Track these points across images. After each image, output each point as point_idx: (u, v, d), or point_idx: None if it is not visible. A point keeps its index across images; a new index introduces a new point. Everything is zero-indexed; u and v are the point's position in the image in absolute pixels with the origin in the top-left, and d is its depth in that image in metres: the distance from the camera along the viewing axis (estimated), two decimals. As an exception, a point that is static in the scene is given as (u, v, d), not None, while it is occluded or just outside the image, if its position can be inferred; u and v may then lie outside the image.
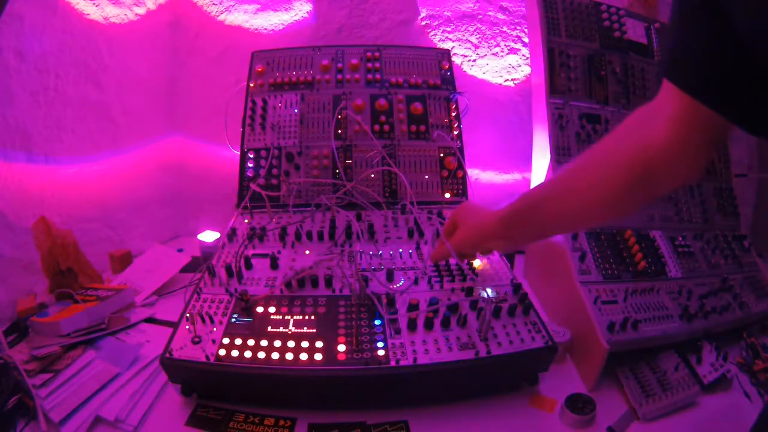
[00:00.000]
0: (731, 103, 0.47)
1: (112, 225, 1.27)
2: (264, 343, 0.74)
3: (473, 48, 1.43)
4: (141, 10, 1.27)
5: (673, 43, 0.51)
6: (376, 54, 1.27)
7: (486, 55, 1.44)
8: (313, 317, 0.79)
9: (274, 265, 0.91)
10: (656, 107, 0.55)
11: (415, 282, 0.88)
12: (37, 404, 0.72)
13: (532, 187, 0.71)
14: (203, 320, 0.79)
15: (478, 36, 1.43)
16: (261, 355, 0.72)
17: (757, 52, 0.41)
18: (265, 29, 1.41)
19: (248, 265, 0.91)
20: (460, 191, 1.18)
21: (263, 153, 1.17)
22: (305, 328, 0.77)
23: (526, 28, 1.39)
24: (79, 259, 1.04)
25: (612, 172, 0.58)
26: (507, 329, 0.79)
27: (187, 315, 0.79)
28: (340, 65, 1.25)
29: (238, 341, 0.74)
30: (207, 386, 0.77)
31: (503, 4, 1.40)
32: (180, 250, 1.29)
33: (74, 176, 1.15)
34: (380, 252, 0.96)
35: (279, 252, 0.95)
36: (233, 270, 0.88)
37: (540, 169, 1.09)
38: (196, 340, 0.75)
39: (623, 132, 0.60)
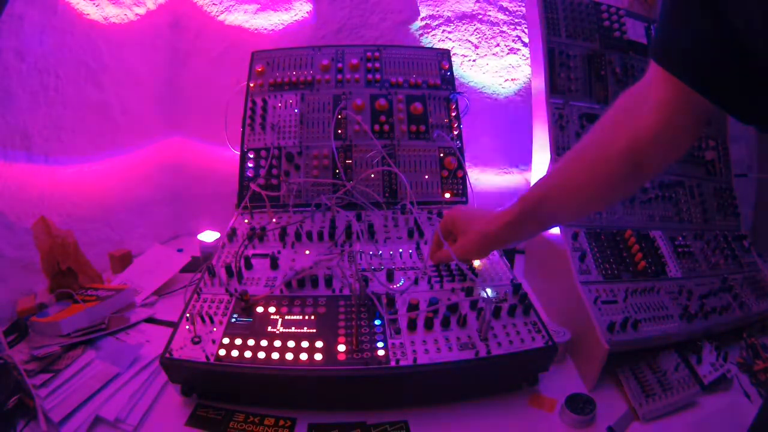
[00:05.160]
0: (723, 91, 0.46)
1: (112, 225, 1.27)
2: (264, 343, 0.74)
3: (473, 48, 1.43)
4: (141, 10, 1.27)
5: (665, 27, 0.50)
6: (376, 54, 1.27)
7: (486, 55, 1.44)
8: (313, 317, 0.79)
9: (274, 265, 0.91)
10: (643, 91, 0.54)
11: (415, 282, 0.88)
12: (37, 404, 0.72)
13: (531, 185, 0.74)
14: (203, 320, 0.79)
15: (478, 36, 1.43)
16: (261, 355, 0.72)
17: (748, 40, 0.40)
18: (265, 29, 1.41)
19: (248, 265, 0.91)
20: (460, 191, 1.18)
21: (263, 153, 1.17)
22: (305, 327, 0.77)
23: (526, 28, 1.39)
24: (79, 259, 1.04)
25: (605, 166, 0.59)
26: (507, 329, 0.79)
27: (187, 315, 0.79)
28: (340, 65, 1.25)
29: (238, 341, 0.74)
30: (207, 386, 0.77)
31: (503, 4, 1.41)
32: (180, 250, 1.28)
33: (74, 176, 1.15)
34: (380, 252, 0.96)
35: (279, 252, 0.95)
36: (233, 270, 0.88)
37: (540, 169, 1.09)
38: (196, 340, 0.75)
39: (611, 122, 0.60)
